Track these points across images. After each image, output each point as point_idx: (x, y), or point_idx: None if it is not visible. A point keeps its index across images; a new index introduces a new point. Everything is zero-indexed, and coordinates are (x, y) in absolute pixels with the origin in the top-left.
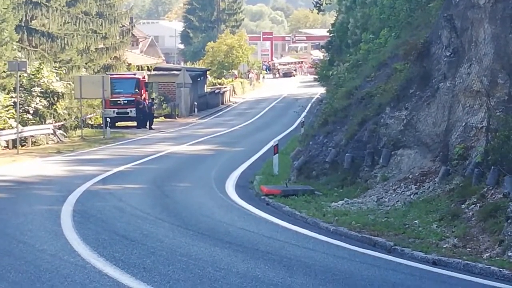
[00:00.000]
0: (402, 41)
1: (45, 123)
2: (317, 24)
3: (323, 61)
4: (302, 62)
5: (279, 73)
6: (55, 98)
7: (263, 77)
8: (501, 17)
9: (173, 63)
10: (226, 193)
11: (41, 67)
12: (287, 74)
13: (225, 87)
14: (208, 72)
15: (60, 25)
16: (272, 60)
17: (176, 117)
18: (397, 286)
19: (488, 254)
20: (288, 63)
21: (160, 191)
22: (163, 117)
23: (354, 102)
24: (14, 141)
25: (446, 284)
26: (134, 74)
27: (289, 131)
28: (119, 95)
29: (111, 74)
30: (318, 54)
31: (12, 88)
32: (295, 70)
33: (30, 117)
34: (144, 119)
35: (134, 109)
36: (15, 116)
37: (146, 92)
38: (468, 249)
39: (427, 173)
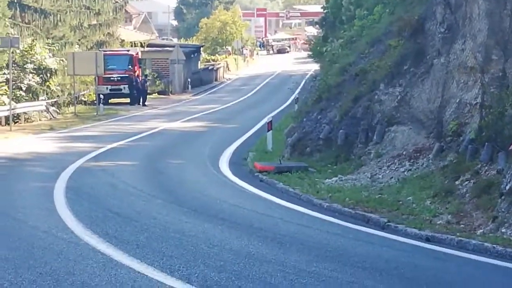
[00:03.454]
0: (396, 17)
1: (38, 99)
2: (311, 1)
3: (317, 37)
4: (296, 38)
5: (273, 50)
6: (48, 75)
7: (257, 54)
8: None
9: (166, 39)
10: (219, 170)
11: (34, 43)
12: (281, 51)
13: (218, 64)
14: (201, 49)
15: (53, 1)
16: (266, 36)
17: (170, 94)
18: (390, 262)
19: (482, 230)
20: (282, 40)
21: (154, 168)
22: (156, 94)
23: (348, 78)
24: (6, 117)
25: (440, 260)
26: (128, 51)
27: (283, 107)
28: (113, 71)
29: (104, 51)
30: (312, 31)
31: (4, 65)
32: (289, 47)
33: (23, 93)
34: (138, 95)
35: (127, 85)
36: (8, 92)
37: (140, 69)
38: (461, 226)
39: (421, 149)
